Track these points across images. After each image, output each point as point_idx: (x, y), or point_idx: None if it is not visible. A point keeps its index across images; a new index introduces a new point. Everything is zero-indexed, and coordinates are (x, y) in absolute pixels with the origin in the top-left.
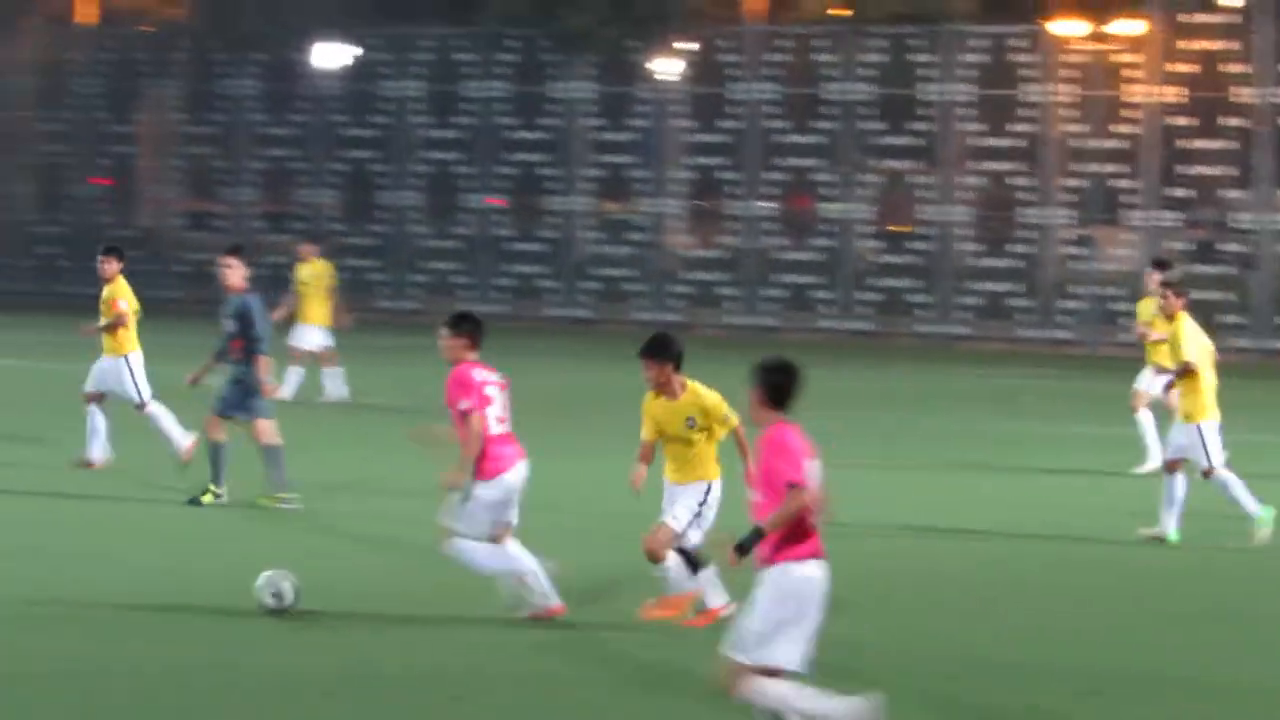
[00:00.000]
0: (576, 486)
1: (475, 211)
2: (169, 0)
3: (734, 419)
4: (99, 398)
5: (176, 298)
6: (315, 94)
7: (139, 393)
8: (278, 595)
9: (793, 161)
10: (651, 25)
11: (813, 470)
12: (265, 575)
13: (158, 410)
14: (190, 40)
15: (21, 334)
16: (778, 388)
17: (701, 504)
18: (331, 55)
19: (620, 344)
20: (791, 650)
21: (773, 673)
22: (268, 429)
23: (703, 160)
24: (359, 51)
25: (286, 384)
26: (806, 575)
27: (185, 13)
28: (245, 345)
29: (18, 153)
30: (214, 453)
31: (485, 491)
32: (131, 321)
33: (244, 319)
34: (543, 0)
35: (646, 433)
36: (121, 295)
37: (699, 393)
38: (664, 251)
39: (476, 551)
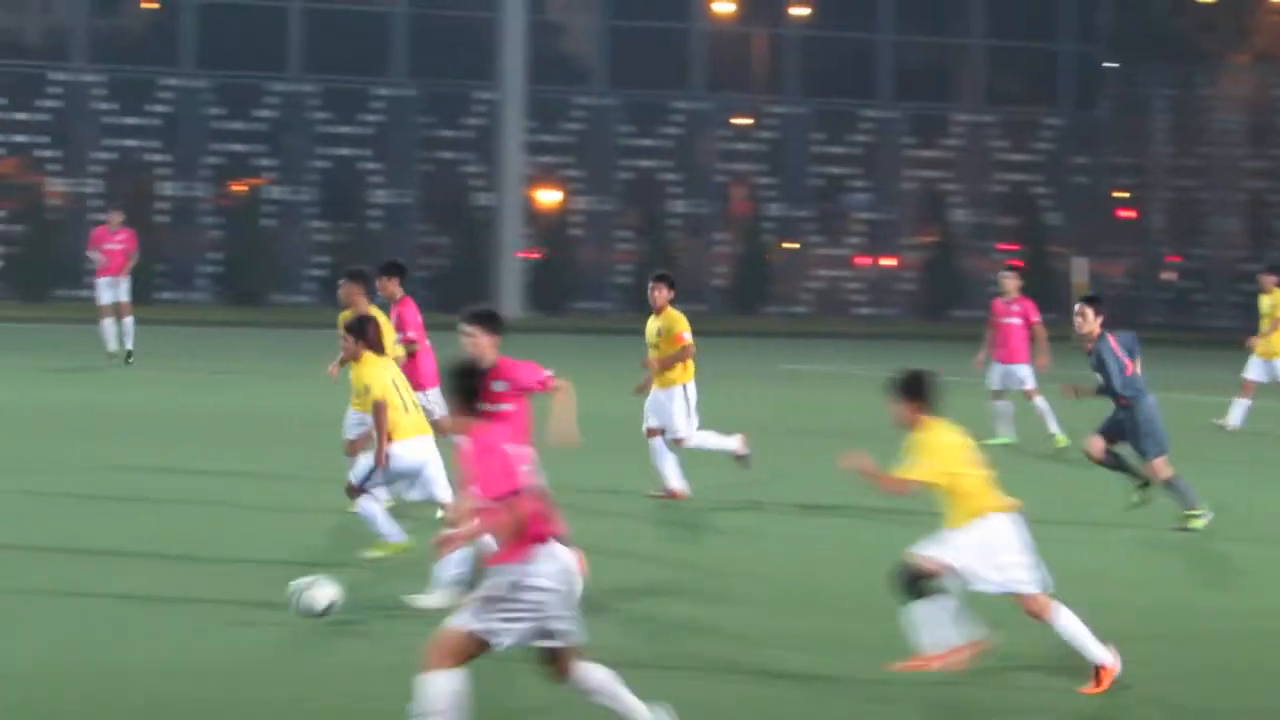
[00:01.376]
0: None
1: None
2: None
3: (912, 474)
4: (660, 431)
5: None
6: None
7: (684, 426)
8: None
9: None
10: None
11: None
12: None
13: (702, 439)
14: None
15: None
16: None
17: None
18: None
19: None
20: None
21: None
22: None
23: None
24: None
25: (1232, 413)
26: None
27: None
28: (1109, 390)
29: (1227, 189)
30: (1172, 482)
31: None
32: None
33: (1101, 368)
34: None
35: None
36: (683, 326)
37: (925, 434)
38: None
39: None
